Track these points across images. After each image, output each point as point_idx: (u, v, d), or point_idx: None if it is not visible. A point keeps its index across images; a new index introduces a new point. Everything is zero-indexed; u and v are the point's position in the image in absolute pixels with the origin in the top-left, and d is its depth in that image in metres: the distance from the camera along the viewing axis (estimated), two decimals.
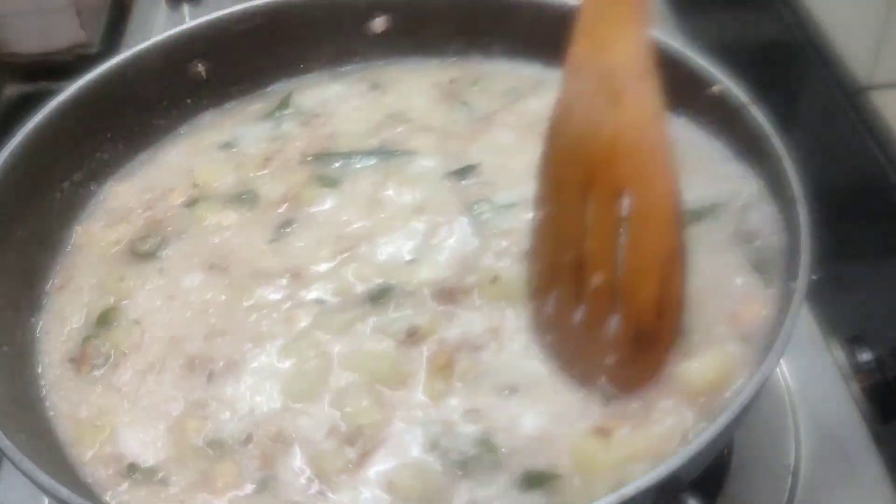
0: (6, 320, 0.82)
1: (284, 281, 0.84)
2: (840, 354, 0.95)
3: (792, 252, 0.74)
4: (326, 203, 0.91)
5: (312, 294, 0.83)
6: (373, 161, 0.94)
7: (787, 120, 0.83)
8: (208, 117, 1.02)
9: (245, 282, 0.85)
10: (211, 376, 0.79)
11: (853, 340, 0.96)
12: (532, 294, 0.75)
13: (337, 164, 0.94)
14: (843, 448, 0.89)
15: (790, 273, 0.73)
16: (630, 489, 0.62)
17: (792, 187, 0.77)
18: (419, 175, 0.92)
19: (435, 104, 1.00)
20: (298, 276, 0.85)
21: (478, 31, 1.02)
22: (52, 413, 0.79)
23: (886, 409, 0.92)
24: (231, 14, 1.00)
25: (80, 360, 0.82)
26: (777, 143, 0.80)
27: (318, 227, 0.89)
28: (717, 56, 0.88)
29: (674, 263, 0.68)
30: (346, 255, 0.86)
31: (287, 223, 0.90)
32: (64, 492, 0.65)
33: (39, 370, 0.82)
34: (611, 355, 0.69)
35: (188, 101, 1.01)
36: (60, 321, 0.85)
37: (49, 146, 0.89)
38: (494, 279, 0.80)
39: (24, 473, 0.66)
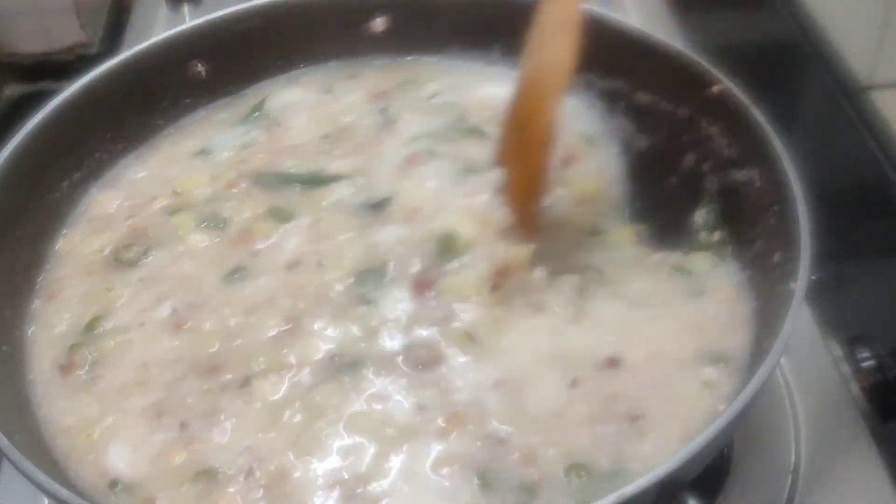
0: (3, 320, 0.82)
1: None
2: (840, 354, 0.95)
3: (792, 252, 0.74)
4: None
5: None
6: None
7: (787, 120, 0.83)
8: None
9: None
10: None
11: (853, 340, 0.96)
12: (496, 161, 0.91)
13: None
14: (843, 448, 0.89)
15: (790, 273, 0.73)
16: (630, 489, 0.62)
17: (792, 187, 0.77)
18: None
19: None
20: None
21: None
22: (43, 416, 0.79)
23: (886, 409, 0.92)
24: (231, 14, 1.00)
25: (66, 368, 0.81)
26: (777, 143, 0.80)
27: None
28: (717, 56, 0.88)
29: (536, 185, 0.87)
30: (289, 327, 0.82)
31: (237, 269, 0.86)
32: (64, 492, 0.65)
33: (31, 376, 0.81)
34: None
35: (188, 100, 1.01)
36: (49, 327, 0.85)
37: (49, 146, 0.89)
38: None
39: (24, 473, 0.66)
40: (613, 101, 0.97)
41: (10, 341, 0.82)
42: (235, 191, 0.94)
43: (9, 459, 0.67)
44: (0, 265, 0.84)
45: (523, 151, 0.86)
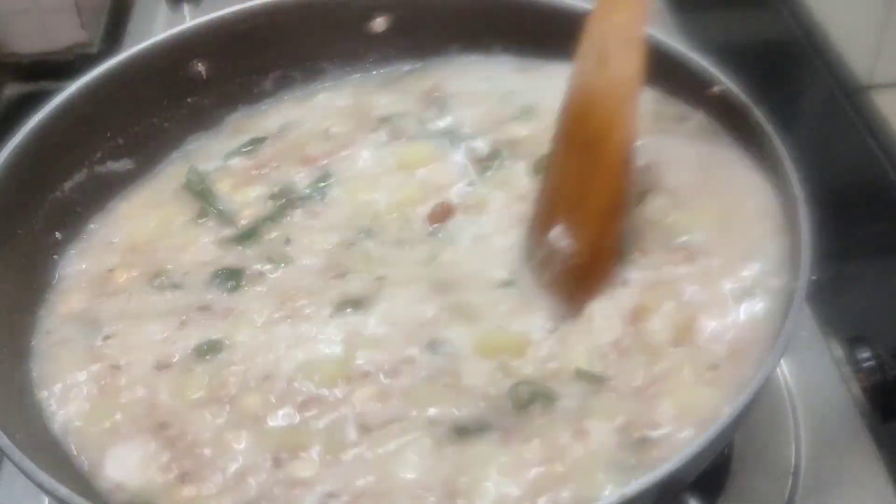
0: (5, 320, 0.82)
1: None
2: (840, 354, 0.95)
3: (792, 252, 0.74)
4: None
5: None
6: None
7: (787, 120, 0.83)
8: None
9: None
10: None
11: (853, 340, 0.96)
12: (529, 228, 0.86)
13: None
14: (843, 448, 0.89)
15: (790, 273, 0.73)
16: (630, 489, 0.62)
17: (792, 187, 0.77)
18: None
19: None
20: None
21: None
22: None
23: (886, 409, 0.92)
24: (231, 14, 0.99)
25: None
26: (777, 143, 0.80)
27: None
28: (717, 56, 0.88)
29: (614, 216, 0.80)
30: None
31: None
32: (64, 491, 0.65)
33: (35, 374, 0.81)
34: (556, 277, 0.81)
35: (188, 100, 1.01)
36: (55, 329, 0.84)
37: (49, 146, 0.89)
38: None
39: (24, 473, 0.66)
40: None
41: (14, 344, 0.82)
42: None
43: (9, 459, 0.67)
44: (3, 264, 0.84)
45: (597, 172, 0.80)
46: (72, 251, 0.91)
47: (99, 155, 0.95)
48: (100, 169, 0.95)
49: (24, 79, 1.50)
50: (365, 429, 0.73)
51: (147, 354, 0.81)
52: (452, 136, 0.96)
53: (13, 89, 1.51)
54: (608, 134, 0.78)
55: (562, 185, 0.83)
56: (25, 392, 0.79)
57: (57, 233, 0.91)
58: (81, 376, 0.80)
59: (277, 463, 0.72)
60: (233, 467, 0.72)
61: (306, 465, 0.72)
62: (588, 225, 0.80)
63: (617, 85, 0.78)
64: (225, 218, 0.92)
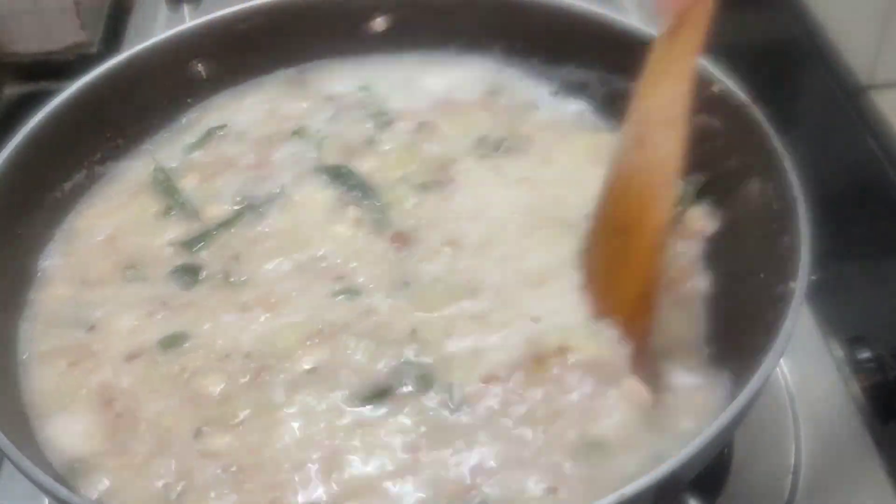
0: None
1: None
2: (840, 354, 0.95)
3: (792, 252, 0.74)
4: None
5: None
6: None
7: (787, 120, 0.83)
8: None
9: None
10: None
11: (853, 340, 0.96)
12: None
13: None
14: (843, 448, 0.89)
15: (790, 273, 0.73)
16: (630, 489, 0.62)
17: (792, 187, 0.77)
18: None
19: None
20: None
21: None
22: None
23: (886, 409, 0.92)
24: (231, 14, 1.00)
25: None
26: (777, 143, 0.80)
27: None
28: (717, 56, 0.88)
29: (647, 299, 0.77)
30: None
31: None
32: (64, 492, 0.65)
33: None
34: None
35: (188, 100, 1.01)
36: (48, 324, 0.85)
37: (49, 146, 0.89)
38: None
39: (24, 473, 0.66)
40: (613, 99, 0.97)
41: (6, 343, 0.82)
42: None
43: (9, 459, 0.67)
44: (3, 262, 0.84)
45: (629, 258, 0.77)
46: (59, 244, 0.91)
47: (99, 155, 0.95)
48: (100, 169, 0.95)
49: (24, 79, 1.50)
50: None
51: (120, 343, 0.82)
52: None
53: (13, 89, 1.51)
54: (642, 218, 0.75)
55: (598, 267, 0.81)
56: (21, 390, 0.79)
57: (55, 231, 0.91)
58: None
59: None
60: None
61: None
62: (620, 311, 0.77)
63: (654, 166, 0.75)
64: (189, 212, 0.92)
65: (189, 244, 0.89)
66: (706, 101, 0.87)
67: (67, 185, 0.93)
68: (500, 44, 1.02)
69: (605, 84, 0.98)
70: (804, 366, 0.94)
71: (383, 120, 0.99)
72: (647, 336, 0.77)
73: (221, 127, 1.00)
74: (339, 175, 0.93)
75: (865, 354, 0.94)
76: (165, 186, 0.94)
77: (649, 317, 0.77)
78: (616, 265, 0.78)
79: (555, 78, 1.01)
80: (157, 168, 0.96)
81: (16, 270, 0.86)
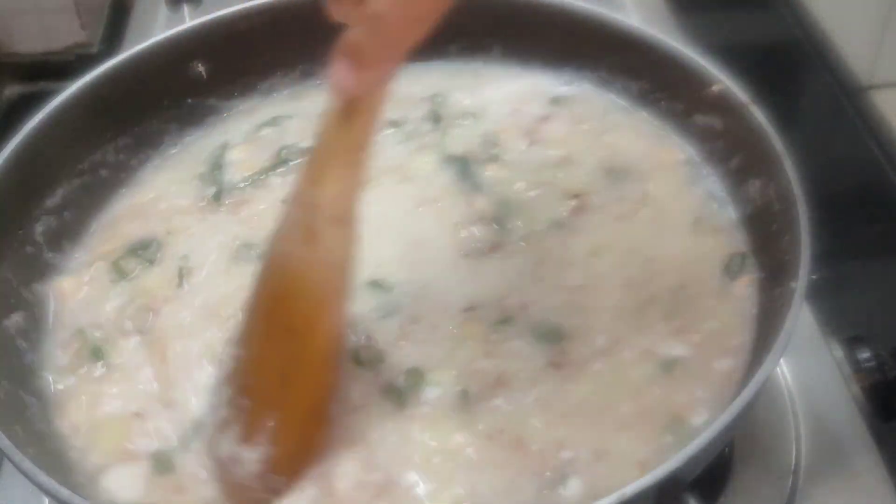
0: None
1: None
2: (840, 354, 0.95)
3: (792, 252, 0.74)
4: None
5: None
6: None
7: (787, 120, 0.83)
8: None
9: None
10: None
11: (853, 340, 0.96)
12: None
13: None
14: (843, 448, 0.89)
15: (790, 273, 0.73)
16: (630, 489, 0.62)
17: (792, 187, 0.77)
18: None
19: None
20: None
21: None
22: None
23: (886, 409, 0.92)
24: (231, 14, 0.99)
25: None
26: (777, 143, 0.80)
27: None
28: (717, 56, 0.88)
29: (315, 419, 0.72)
30: None
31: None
32: (64, 492, 0.65)
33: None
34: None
35: (188, 100, 1.01)
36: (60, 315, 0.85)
37: (49, 146, 0.89)
38: None
39: (24, 473, 0.66)
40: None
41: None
42: None
43: (9, 459, 0.67)
44: (3, 262, 0.84)
45: (299, 367, 0.70)
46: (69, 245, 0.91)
47: (99, 155, 0.95)
48: (100, 169, 0.95)
49: (24, 79, 1.50)
50: None
51: None
52: None
53: (13, 89, 1.51)
54: (315, 324, 0.69)
55: (259, 368, 0.72)
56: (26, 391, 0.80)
57: (54, 229, 0.91)
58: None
59: None
60: None
61: None
62: (285, 429, 0.69)
63: (327, 269, 0.68)
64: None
65: None
66: (706, 100, 0.88)
67: (68, 186, 0.92)
68: (498, 45, 1.02)
69: (604, 85, 0.98)
70: (804, 366, 0.94)
71: None
72: (313, 449, 0.71)
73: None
74: None
75: (865, 354, 0.94)
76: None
77: (318, 431, 0.71)
78: (283, 374, 0.70)
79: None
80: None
81: (20, 273, 0.86)
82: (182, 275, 0.87)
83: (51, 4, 1.45)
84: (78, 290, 0.87)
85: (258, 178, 0.95)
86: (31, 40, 1.48)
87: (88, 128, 0.93)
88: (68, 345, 0.83)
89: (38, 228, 0.89)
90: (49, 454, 0.74)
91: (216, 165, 0.97)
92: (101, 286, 0.88)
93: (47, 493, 0.66)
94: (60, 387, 0.80)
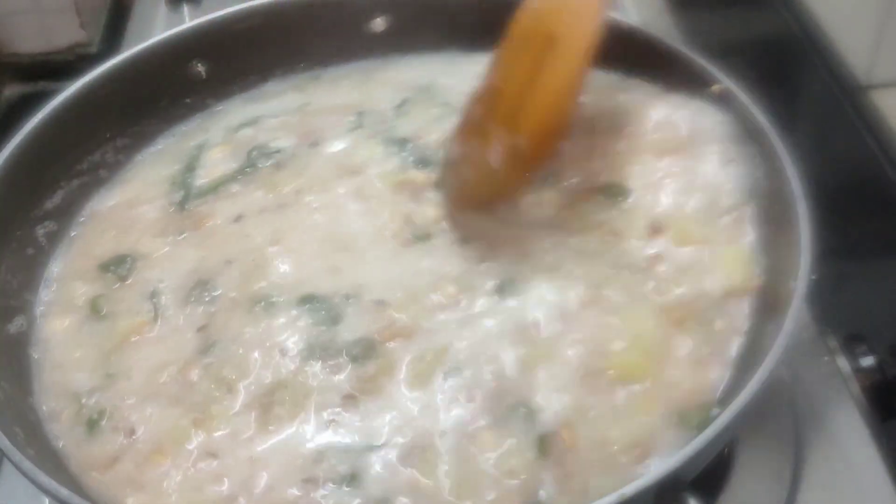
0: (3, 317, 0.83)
1: None
2: (840, 354, 0.95)
3: (792, 252, 0.74)
4: None
5: None
6: None
7: (787, 119, 0.83)
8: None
9: None
10: None
11: (853, 340, 0.96)
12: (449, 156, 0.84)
13: None
14: (843, 448, 0.89)
15: (790, 273, 0.73)
16: (630, 489, 0.62)
17: (792, 187, 0.77)
18: None
19: None
20: None
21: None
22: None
23: (886, 409, 0.92)
24: (231, 14, 1.00)
25: None
26: (777, 142, 0.80)
27: None
28: (717, 56, 0.88)
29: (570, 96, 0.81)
30: None
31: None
32: (64, 492, 0.65)
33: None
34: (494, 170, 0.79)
35: (188, 100, 1.01)
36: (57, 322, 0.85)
37: (49, 146, 0.89)
38: None
39: (25, 474, 0.66)
40: None
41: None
42: None
43: (9, 459, 0.67)
44: (0, 266, 0.84)
45: (556, 67, 0.77)
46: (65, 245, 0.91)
47: (99, 155, 0.95)
48: (100, 169, 0.95)
49: (24, 79, 1.51)
50: None
51: None
52: None
53: (13, 89, 1.51)
54: (574, 25, 0.77)
55: (509, 80, 0.80)
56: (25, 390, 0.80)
57: (54, 230, 0.91)
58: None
59: None
60: None
61: None
62: (535, 115, 0.78)
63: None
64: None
65: None
66: (706, 100, 0.88)
67: (67, 185, 0.92)
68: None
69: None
70: (804, 365, 0.94)
71: None
72: (543, 160, 0.80)
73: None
74: None
75: (865, 354, 0.94)
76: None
77: (554, 138, 0.80)
78: (535, 71, 0.77)
79: None
80: None
81: (18, 273, 0.86)
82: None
83: (51, 4, 1.45)
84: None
85: (220, 186, 0.93)
86: (31, 40, 1.48)
87: (88, 128, 0.93)
88: None
89: (38, 230, 0.89)
90: (49, 454, 0.74)
91: (189, 167, 0.95)
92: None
93: (47, 493, 0.66)
94: None
